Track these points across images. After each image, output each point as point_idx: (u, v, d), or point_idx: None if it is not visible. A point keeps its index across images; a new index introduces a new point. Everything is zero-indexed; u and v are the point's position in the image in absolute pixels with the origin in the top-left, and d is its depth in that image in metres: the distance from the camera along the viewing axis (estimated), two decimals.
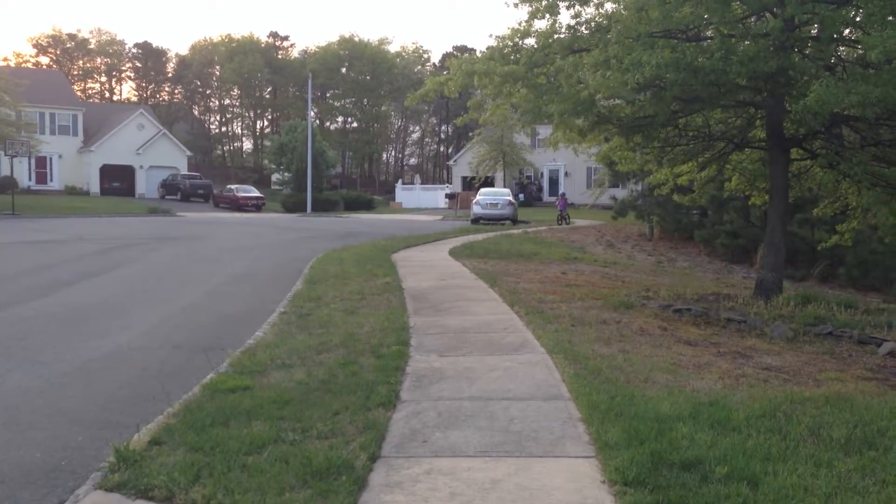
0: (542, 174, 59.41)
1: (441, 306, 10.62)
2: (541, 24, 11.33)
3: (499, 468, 4.66)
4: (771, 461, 4.64)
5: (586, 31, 11.02)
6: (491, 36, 11.77)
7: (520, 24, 11.57)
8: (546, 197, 58.94)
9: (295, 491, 4.31)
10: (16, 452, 5.30)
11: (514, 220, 33.55)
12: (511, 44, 11.59)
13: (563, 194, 39.44)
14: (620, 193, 34.29)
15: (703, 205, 20.43)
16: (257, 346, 8.16)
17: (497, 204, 33.47)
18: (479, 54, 13.90)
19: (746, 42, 9.64)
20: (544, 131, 59.07)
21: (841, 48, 10.67)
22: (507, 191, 37.74)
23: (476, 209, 33.55)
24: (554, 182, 59.73)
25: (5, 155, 39.85)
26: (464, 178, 61.39)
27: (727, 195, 16.17)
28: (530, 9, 11.16)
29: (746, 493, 4.16)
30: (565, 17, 11.99)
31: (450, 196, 52.93)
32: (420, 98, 12.49)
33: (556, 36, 10.71)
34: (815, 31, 10.08)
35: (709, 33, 10.52)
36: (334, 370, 7.01)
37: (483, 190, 36.56)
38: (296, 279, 13.86)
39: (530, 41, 11.60)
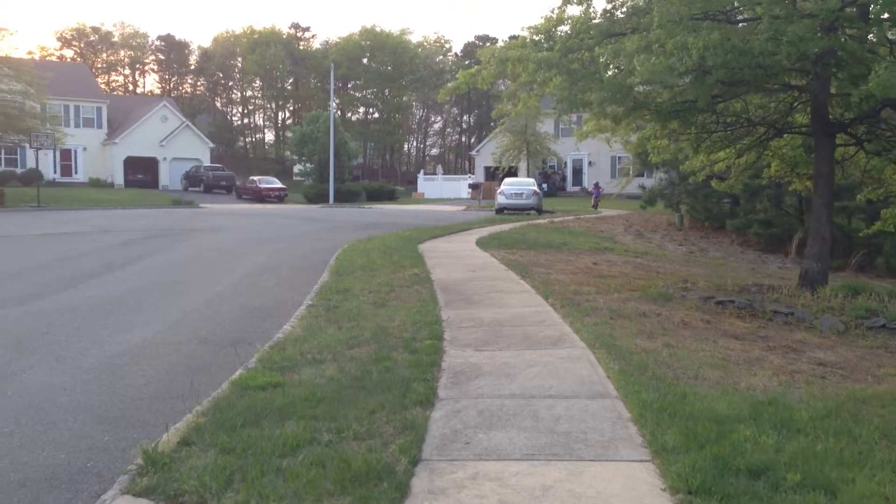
0: (565, 164, 58.90)
1: (473, 298, 10.31)
2: (574, 11, 10.99)
3: (549, 473, 4.35)
4: (845, 467, 4.29)
5: (622, 15, 10.64)
6: (523, 28, 11.35)
7: (552, 12, 11.23)
8: (570, 186, 58.45)
9: (334, 498, 4.03)
10: (39, 453, 5.07)
11: (539, 210, 33.13)
12: (544, 32, 11.25)
13: (597, 184, 43.58)
14: (647, 182, 33.77)
15: (736, 193, 19.90)
16: (286, 340, 7.90)
17: (522, 194, 33.04)
18: (502, 43, 13.54)
19: (791, 23, 9.20)
20: (566, 120, 58.75)
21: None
22: (531, 180, 37.30)
23: (501, 199, 33.13)
24: (577, 172, 59.23)
25: (30, 147, 40.00)
26: (486, 168, 61.01)
27: (765, 182, 15.69)
28: None
29: (824, 503, 3.82)
30: (599, 3, 11.62)
31: (473, 186, 52.48)
32: (452, 91, 12.16)
33: (592, 21, 10.33)
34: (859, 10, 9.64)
35: (746, 14, 10.12)
36: (367, 366, 6.73)
37: (507, 180, 36.12)
38: (321, 270, 13.62)
39: (564, 28, 11.25)
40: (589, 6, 10.79)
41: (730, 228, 24.51)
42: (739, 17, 10.05)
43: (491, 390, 6.02)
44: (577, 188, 57.86)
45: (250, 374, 6.44)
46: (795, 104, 11.80)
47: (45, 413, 5.91)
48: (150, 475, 4.38)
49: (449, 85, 12.10)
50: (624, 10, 10.82)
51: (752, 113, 12.24)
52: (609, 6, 10.89)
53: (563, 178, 58.90)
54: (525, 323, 8.62)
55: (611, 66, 9.87)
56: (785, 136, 12.60)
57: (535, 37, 11.38)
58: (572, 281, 11.77)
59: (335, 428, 5.10)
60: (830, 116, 10.85)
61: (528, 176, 47.32)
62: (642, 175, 41.53)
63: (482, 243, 17.97)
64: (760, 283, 12.21)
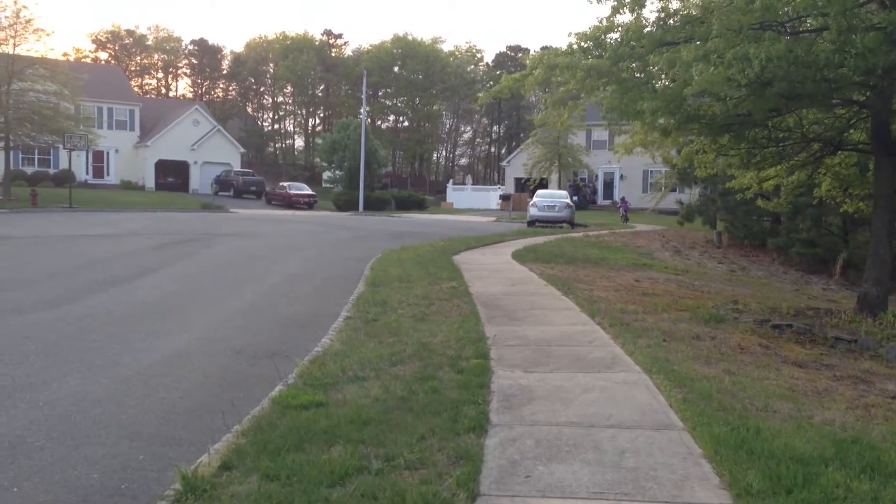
0: (596, 176, 58.34)
1: (515, 315, 9.95)
2: (624, 18, 10.62)
3: None
4: None
5: (675, 24, 10.25)
6: (570, 34, 10.95)
7: (600, 21, 10.87)
8: (600, 200, 57.89)
9: None
10: (71, 472, 4.78)
11: (572, 224, 32.69)
12: (593, 39, 10.89)
13: (624, 198, 44.64)
14: (681, 198, 33.13)
15: (782, 212, 19.35)
16: (325, 354, 7.59)
17: (554, 206, 32.61)
18: (534, 53, 13.20)
19: (858, 34, 8.77)
20: (599, 133, 58.32)
21: None
22: (564, 193, 36.87)
23: (533, 211, 32.72)
24: (608, 185, 58.68)
25: (64, 148, 40.23)
26: (517, 180, 60.60)
27: (815, 201, 15.17)
28: (613, 3, 10.46)
29: None
30: (648, 11, 11.23)
31: (504, 197, 52.13)
32: (495, 95, 11.83)
33: (645, 30, 9.95)
34: None
35: (811, 24, 9.69)
36: (412, 385, 6.39)
37: (540, 192, 35.70)
38: (355, 280, 13.33)
39: (614, 36, 10.88)
40: (640, 14, 10.42)
41: (771, 247, 23.91)
42: (801, 28, 9.61)
43: (546, 417, 5.65)
44: (608, 202, 57.27)
45: (291, 391, 6.12)
46: (853, 120, 11.35)
47: (78, 427, 5.63)
48: (189, 502, 4.08)
49: (492, 89, 11.76)
50: (677, 18, 10.43)
51: (806, 129, 11.80)
52: (661, 14, 10.50)
53: (594, 192, 58.35)
54: (573, 343, 8.24)
55: (665, 76, 9.49)
56: (839, 154, 12.13)
57: (582, 43, 11.02)
58: (616, 299, 11.36)
59: (385, 455, 4.77)
60: (893, 135, 10.38)
61: (560, 188, 46.86)
62: (675, 190, 40.90)
63: (518, 256, 17.59)
64: (816, 306, 11.73)
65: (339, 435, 5.12)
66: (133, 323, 9.51)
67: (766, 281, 18.67)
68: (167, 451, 5.20)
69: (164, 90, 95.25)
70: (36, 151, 53.09)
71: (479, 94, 12.70)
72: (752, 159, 12.19)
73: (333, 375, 6.71)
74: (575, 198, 49.37)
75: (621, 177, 57.28)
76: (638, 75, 10.35)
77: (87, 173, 56.94)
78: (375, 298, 10.96)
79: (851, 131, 11.82)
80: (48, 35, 47.07)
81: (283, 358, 7.88)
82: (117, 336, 8.68)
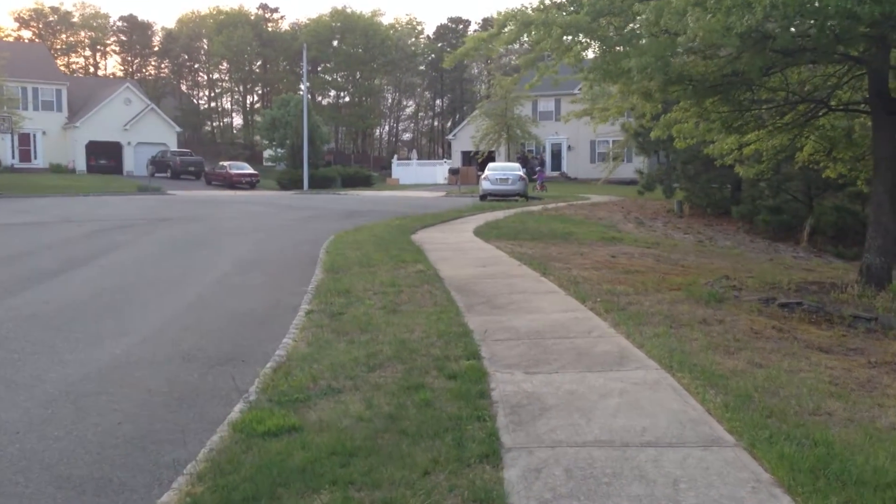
0: (543, 148, 57.61)
1: (496, 301, 8.98)
2: None
3: None
4: None
5: None
6: None
7: None
8: (548, 171, 57.22)
9: None
10: None
11: (526, 196, 31.82)
12: None
13: (541, 169, 45.85)
14: (639, 167, 32.50)
15: (768, 178, 18.71)
16: (290, 359, 6.52)
17: (507, 179, 31.66)
18: (476, 26, 12.13)
19: None
20: (545, 104, 57.53)
21: None
22: (517, 165, 35.90)
23: (485, 185, 31.72)
24: (556, 156, 58.06)
25: None
26: (464, 153, 59.52)
27: (797, 166, 14.48)
28: None
29: None
30: None
31: (453, 171, 51.05)
32: (461, 57, 10.78)
33: None
34: None
35: None
36: (399, 397, 5.38)
37: (492, 165, 34.68)
38: (312, 266, 12.22)
39: None
40: None
41: (735, 216, 23.37)
42: None
43: (568, 434, 4.70)
44: (556, 173, 56.64)
45: (255, 412, 5.05)
46: (844, 79, 10.61)
47: None
48: None
49: (457, 50, 10.72)
50: None
51: (791, 89, 11.02)
52: None
53: (542, 163, 57.64)
54: (570, 334, 7.31)
55: (654, 27, 8.55)
56: (826, 115, 11.40)
57: None
58: (599, 278, 10.48)
59: (383, 501, 3.76)
60: (894, 93, 9.66)
61: (508, 160, 45.97)
62: (627, 161, 40.44)
63: (481, 233, 16.64)
64: (815, 280, 11.01)
65: (322, 474, 4.10)
66: (62, 327, 8.27)
67: (737, 251, 18.06)
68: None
69: (92, 69, 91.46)
70: None
71: (445, 56, 11.65)
72: (734, 123, 11.40)
73: (303, 387, 5.66)
74: (523, 170, 48.66)
75: (569, 147, 56.69)
76: (621, 32, 9.39)
77: (14, 157, 54.10)
78: (337, 287, 9.88)
79: (840, 91, 11.10)
80: None
81: (240, 364, 6.81)
82: (42, 344, 7.46)
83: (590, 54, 10.10)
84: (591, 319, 7.88)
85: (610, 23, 9.41)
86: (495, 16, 10.31)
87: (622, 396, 5.37)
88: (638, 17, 9.17)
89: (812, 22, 7.79)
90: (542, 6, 9.98)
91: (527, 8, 9.88)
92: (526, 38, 10.04)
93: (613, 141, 42.91)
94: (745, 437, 4.50)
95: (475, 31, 73.45)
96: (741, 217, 23.01)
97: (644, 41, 8.79)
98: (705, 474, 4.07)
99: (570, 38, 9.57)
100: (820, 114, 11.13)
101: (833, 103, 11.24)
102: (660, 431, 4.70)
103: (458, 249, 14.08)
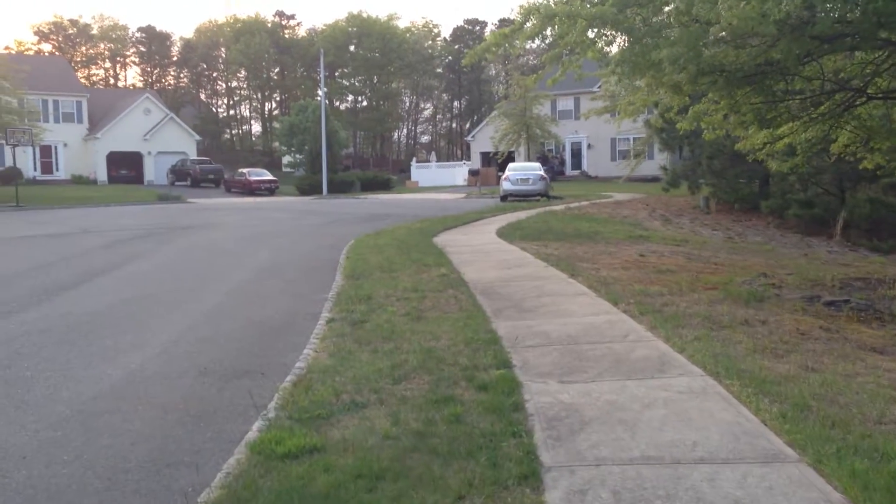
0: (563, 147, 57.07)
1: (524, 304, 8.62)
2: None
3: None
4: None
5: None
6: None
7: None
8: (568, 170, 56.73)
9: None
10: None
11: (548, 196, 31.38)
12: None
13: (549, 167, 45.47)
14: (663, 163, 31.90)
15: (802, 172, 18.14)
16: (311, 371, 6.19)
17: (528, 179, 31.26)
18: (492, 27, 11.76)
19: None
20: (564, 103, 56.98)
21: None
22: (537, 165, 35.45)
23: (506, 185, 31.33)
24: (576, 155, 57.46)
25: (7, 144, 37.86)
26: (483, 154, 59.14)
27: (833, 159, 14.00)
28: None
29: None
30: None
31: (473, 172, 50.61)
32: (481, 53, 10.41)
33: None
34: None
35: None
36: (428, 412, 5.04)
37: (512, 165, 34.27)
38: (332, 272, 11.91)
39: None
40: None
41: (765, 210, 22.78)
42: None
43: (612, 450, 4.33)
44: (576, 172, 56.11)
45: (273, 433, 4.72)
46: (884, 65, 10.13)
47: None
48: None
49: (477, 47, 10.36)
50: None
51: (827, 77, 10.55)
52: None
53: (562, 162, 57.13)
54: (605, 338, 6.93)
55: (684, 16, 8.16)
56: (864, 104, 10.91)
57: None
58: (630, 278, 10.08)
59: None
60: None
61: (528, 160, 45.52)
62: (650, 158, 39.85)
63: (504, 235, 16.26)
64: (858, 276, 10.56)
65: (346, 500, 3.78)
66: (77, 341, 8.01)
67: (769, 247, 17.54)
68: None
69: (112, 80, 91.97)
70: None
71: (465, 53, 11.32)
72: (767, 114, 10.94)
73: (325, 403, 5.33)
74: (544, 168, 48.18)
75: (589, 146, 56.10)
76: (649, 23, 8.99)
77: (36, 170, 54.38)
78: (359, 293, 9.56)
79: (879, 78, 10.62)
80: None
81: (258, 377, 6.50)
82: (55, 360, 7.19)
83: (613, 49, 9.72)
84: (626, 322, 7.49)
85: (637, 13, 9.01)
86: (516, 10, 9.95)
87: (667, 406, 5.00)
88: (667, 7, 8.78)
89: (856, 5, 7.35)
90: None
91: (549, 1, 9.51)
92: (549, 33, 9.65)
93: (635, 138, 42.31)
94: (808, 451, 4.11)
95: (492, 31, 73.02)
96: (770, 212, 22.42)
97: (674, 31, 8.38)
98: (769, 495, 3.69)
99: (594, 31, 9.18)
100: (857, 103, 10.66)
101: (871, 91, 10.77)
102: (713, 446, 4.32)
103: (481, 252, 13.72)
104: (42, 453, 4.92)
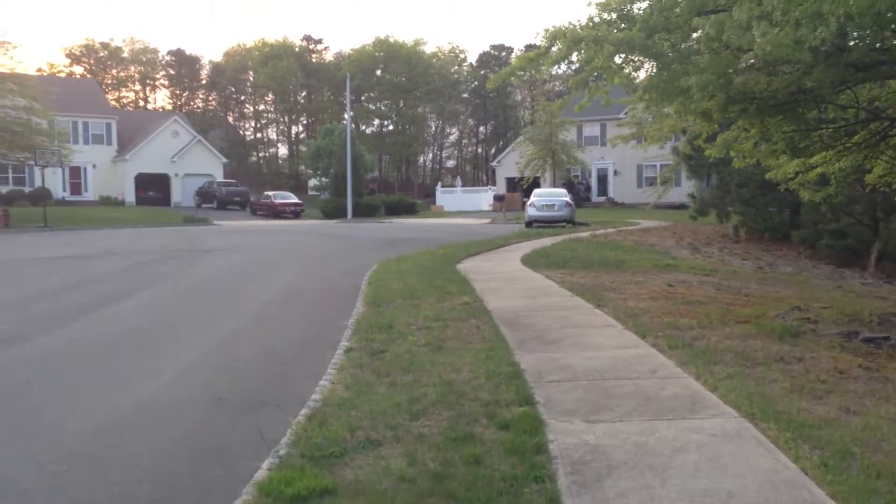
0: (589, 173, 56.80)
1: (547, 336, 8.36)
2: None
3: None
4: None
5: None
6: (590, 4, 9.34)
7: None
8: (595, 197, 56.40)
9: None
10: None
11: (573, 222, 31.11)
12: (616, 11, 9.36)
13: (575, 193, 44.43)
14: (691, 190, 31.51)
15: (835, 202, 17.76)
16: (326, 405, 5.97)
17: (554, 205, 31.02)
18: (518, 52, 11.60)
19: None
20: (590, 129, 56.78)
21: None
22: (563, 191, 35.23)
23: (531, 211, 31.10)
24: (603, 181, 57.17)
25: (36, 165, 38.31)
26: (508, 179, 59.02)
27: (868, 188, 13.67)
28: None
29: None
30: None
31: (498, 198, 50.47)
32: (506, 77, 10.27)
33: None
34: None
35: None
36: (446, 452, 4.80)
37: (537, 191, 34.05)
38: (353, 298, 11.72)
39: (641, 5, 9.35)
40: None
41: (796, 240, 22.36)
42: None
43: (641, 499, 4.06)
44: (602, 198, 55.79)
45: (283, 473, 4.50)
46: None
47: None
48: None
49: (502, 71, 10.22)
50: None
51: (862, 105, 10.27)
52: None
53: (588, 188, 56.84)
54: (632, 373, 6.65)
55: (715, 42, 7.94)
56: None
57: (604, 15, 9.47)
58: (658, 310, 9.79)
59: None
60: None
61: (554, 186, 45.29)
62: (677, 185, 39.50)
63: (529, 262, 16.01)
64: (893, 310, 10.20)
65: None
66: (91, 368, 7.87)
67: (801, 278, 17.13)
68: None
69: (142, 102, 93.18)
70: (10, 170, 51.00)
71: (490, 76, 11.18)
72: (799, 143, 10.66)
73: (339, 439, 5.10)
74: (570, 195, 47.91)
75: (615, 172, 55.81)
76: (677, 49, 8.79)
77: (64, 190, 55.02)
78: (379, 321, 9.34)
79: None
80: (15, 48, 45.10)
81: (273, 409, 6.29)
82: (66, 388, 7.04)
83: (641, 74, 9.52)
84: (655, 357, 7.21)
85: (665, 39, 8.81)
86: (542, 34, 9.76)
87: (700, 451, 4.71)
88: (695, 34, 8.57)
89: (893, 32, 7.10)
90: (591, 24, 9.44)
91: (575, 25, 9.34)
92: (575, 57, 9.47)
93: (662, 165, 41.99)
94: None
95: (518, 55, 73.20)
96: (802, 242, 21.98)
97: (704, 58, 8.16)
98: None
99: (622, 56, 8.99)
100: (893, 132, 10.35)
101: None
102: (750, 497, 4.04)
103: (505, 279, 13.47)
104: (45, 489, 4.74)
